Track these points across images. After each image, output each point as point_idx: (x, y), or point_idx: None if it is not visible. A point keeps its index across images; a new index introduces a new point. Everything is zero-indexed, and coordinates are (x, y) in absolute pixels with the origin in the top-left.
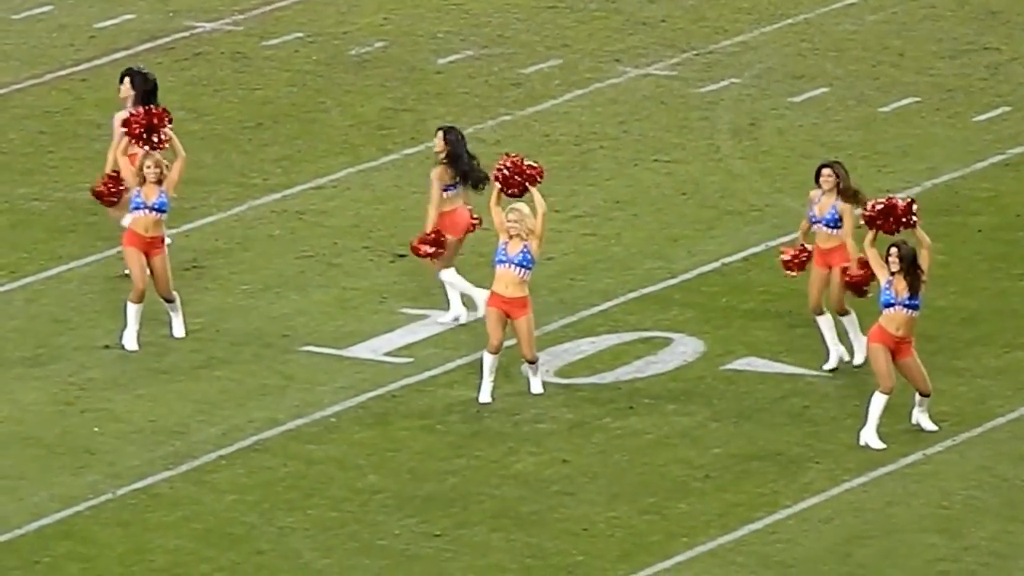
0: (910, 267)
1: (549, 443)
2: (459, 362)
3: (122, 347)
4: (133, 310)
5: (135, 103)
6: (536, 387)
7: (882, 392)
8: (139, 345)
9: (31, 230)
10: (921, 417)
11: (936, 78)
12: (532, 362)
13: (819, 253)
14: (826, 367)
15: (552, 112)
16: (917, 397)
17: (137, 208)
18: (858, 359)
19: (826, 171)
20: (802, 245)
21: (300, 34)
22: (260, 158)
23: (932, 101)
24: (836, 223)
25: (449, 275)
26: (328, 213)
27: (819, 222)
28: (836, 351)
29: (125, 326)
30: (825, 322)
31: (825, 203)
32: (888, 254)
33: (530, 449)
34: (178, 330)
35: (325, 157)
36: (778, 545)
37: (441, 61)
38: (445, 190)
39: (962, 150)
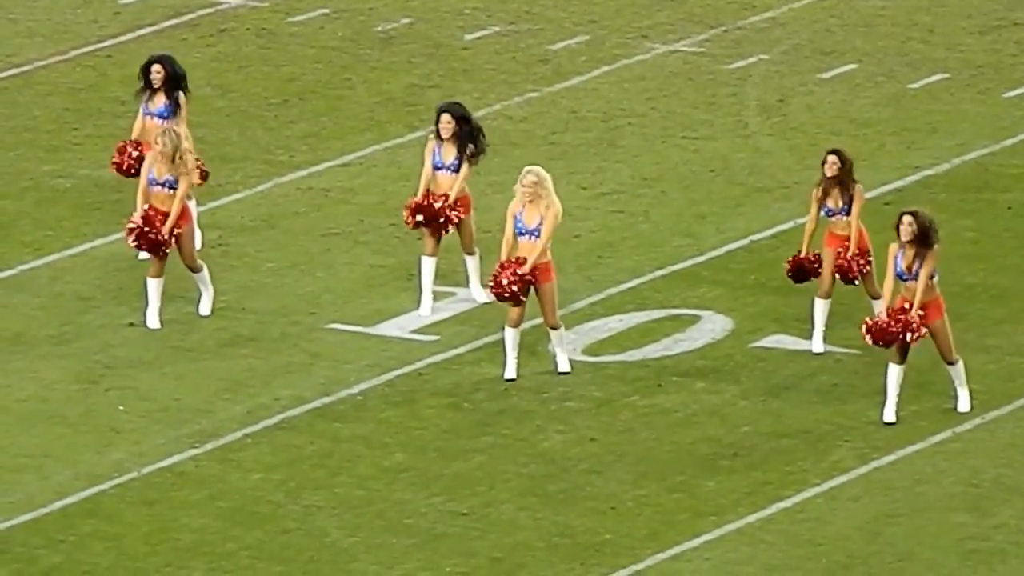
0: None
1: (577, 421)
2: (486, 340)
3: (145, 326)
4: (153, 286)
5: (168, 87)
6: (563, 365)
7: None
8: (161, 323)
9: (56, 207)
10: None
11: (966, 54)
12: (555, 328)
13: (837, 239)
14: (814, 349)
15: (579, 89)
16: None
17: (151, 184)
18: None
19: (831, 157)
20: (816, 254)
21: (326, 10)
22: (286, 135)
23: (962, 77)
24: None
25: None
26: (354, 190)
27: (838, 213)
28: (821, 335)
29: (147, 304)
30: (822, 307)
31: (837, 194)
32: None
33: (557, 427)
34: (204, 307)
35: (351, 134)
36: (807, 523)
37: (468, 37)
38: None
39: (992, 126)
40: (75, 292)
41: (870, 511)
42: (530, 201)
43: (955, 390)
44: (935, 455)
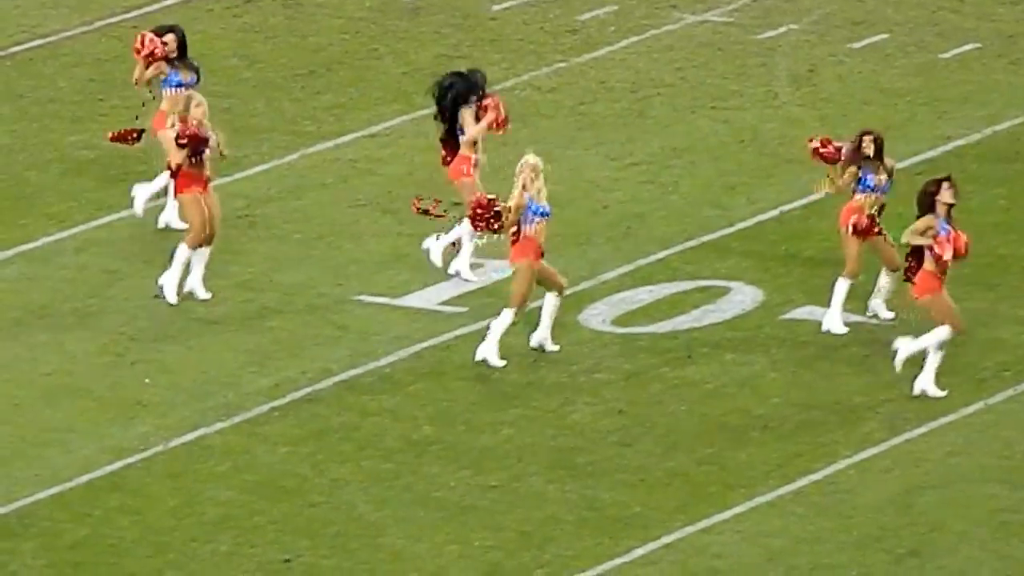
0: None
1: (605, 393)
2: None
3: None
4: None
5: (178, 56)
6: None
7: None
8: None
9: (81, 179)
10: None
11: (997, 24)
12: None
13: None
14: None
15: (608, 59)
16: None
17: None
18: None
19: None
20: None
21: None
22: (313, 106)
23: (993, 47)
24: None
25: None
26: (382, 161)
27: (879, 190)
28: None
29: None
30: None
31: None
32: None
33: (586, 399)
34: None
35: (378, 105)
36: (837, 495)
37: (496, 8)
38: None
39: (1023, 96)
40: (100, 264)
41: (901, 483)
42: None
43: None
44: (966, 427)
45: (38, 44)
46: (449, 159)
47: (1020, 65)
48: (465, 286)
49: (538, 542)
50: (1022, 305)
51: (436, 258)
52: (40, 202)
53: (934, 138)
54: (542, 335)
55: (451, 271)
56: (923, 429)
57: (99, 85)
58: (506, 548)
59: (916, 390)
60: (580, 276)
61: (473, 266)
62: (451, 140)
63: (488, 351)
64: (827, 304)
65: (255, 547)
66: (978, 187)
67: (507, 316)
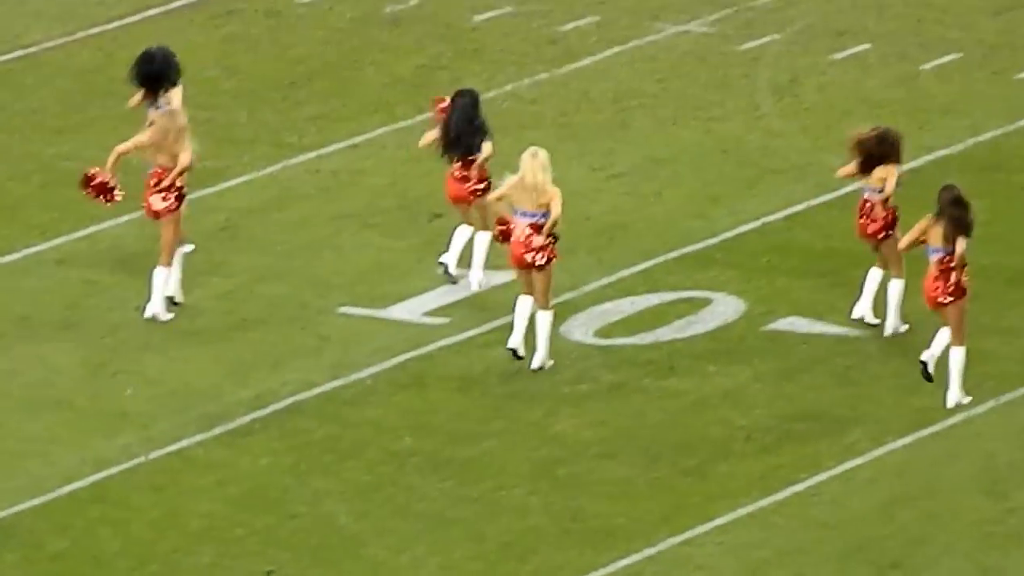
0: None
1: (588, 404)
2: (497, 323)
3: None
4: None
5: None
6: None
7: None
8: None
9: (62, 189)
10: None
11: (979, 34)
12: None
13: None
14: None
15: (590, 70)
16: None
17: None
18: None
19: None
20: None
21: None
22: (294, 117)
23: (975, 58)
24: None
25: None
26: (364, 172)
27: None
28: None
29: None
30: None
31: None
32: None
33: (569, 411)
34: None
35: (360, 116)
36: (820, 507)
37: (477, 18)
38: None
39: (1005, 107)
40: (81, 276)
41: (884, 494)
42: None
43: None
44: (950, 438)
45: (19, 55)
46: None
47: (1002, 75)
48: (447, 297)
49: (520, 553)
50: (1005, 316)
51: (454, 270)
52: (22, 213)
53: (916, 148)
54: (518, 340)
55: (465, 278)
56: (906, 440)
57: (81, 96)
58: (488, 559)
59: (951, 403)
60: (562, 287)
61: (457, 277)
62: (466, 160)
63: (541, 357)
64: (810, 314)
65: (237, 559)
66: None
67: (547, 316)
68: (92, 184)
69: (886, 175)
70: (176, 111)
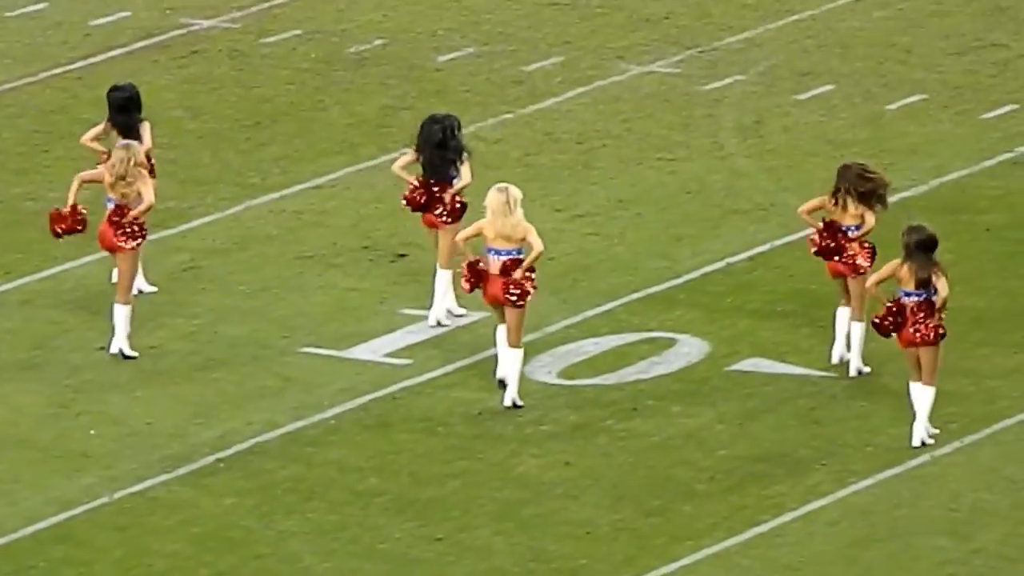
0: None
1: (552, 445)
2: (460, 364)
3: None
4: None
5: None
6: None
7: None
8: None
9: (25, 230)
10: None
11: (944, 75)
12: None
13: None
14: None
15: (554, 110)
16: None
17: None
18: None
19: None
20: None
21: (298, 31)
22: (258, 157)
23: (940, 98)
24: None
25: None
26: (327, 213)
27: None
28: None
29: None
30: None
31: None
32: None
33: (532, 451)
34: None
35: (324, 156)
36: (784, 548)
37: (441, 59)
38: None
39: (970, 148)
40: (45, 316)
41: (848, 535)
42: None
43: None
44: (914, 479)
45: None
46: (425, 202)
47: (966, 116)
48: (410, 338)
49: None
50: (969, 357)
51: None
52: None
53: None
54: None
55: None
56: (870, 481)
57: (43, 136)
58: None
59: (916, 442)
60: (526, 327)
61: (419, 318)
62: (433, 186)
63: (512, 395)
64: (774, 355)
65: None
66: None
67: (517, 355)
68: (60, 222)
69: (864, 212)
70: (133, 144)
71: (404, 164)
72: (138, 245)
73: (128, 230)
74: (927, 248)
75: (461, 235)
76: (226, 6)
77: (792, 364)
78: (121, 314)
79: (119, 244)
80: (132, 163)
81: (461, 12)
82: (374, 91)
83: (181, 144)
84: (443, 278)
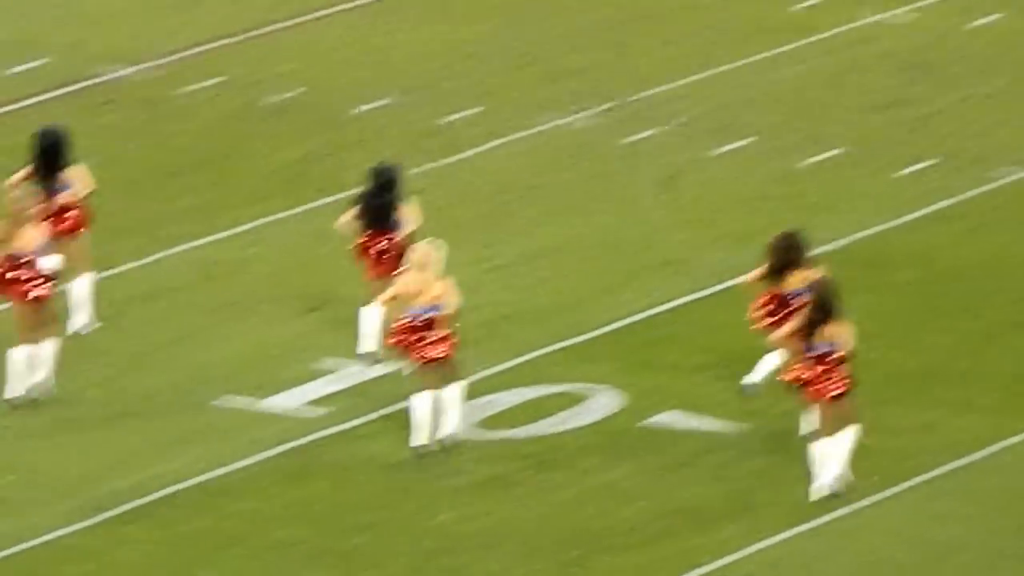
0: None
1: (469, 496)
2: (378, 414)
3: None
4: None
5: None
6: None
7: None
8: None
9: None
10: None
11: (860, 131)
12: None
13: None
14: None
15: (472, 162)
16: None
17: None
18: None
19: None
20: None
21: (214, 81)
22: (174, 207)
23: (857, 154)
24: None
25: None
26: (244, 262)
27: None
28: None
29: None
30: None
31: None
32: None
33: (449, 502)
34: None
35: (240, 206)
36: None
37: (359, 109)
38: None
39: (888, 203)
40: None
41: None
42: None
43: None
44: (827, 534)
45: None
46: (371, 250)
47: (884, 171)
48: (328, 388)
49: None
50: (888, 412)
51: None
52: None
53: None
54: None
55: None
56: (785, 535)
57: None
58: None
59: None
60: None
61: (338, 368)
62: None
63: (455, 424)
64: (690, 408)
65: None
66: (843, 294)
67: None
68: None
69: (803, 278)
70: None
71: (348, 219)
72: (48, 294)
73: (38, 278)
74: (827, 302)
75: (385, 296)
76: (141, 55)
77: (709, 417)
78: (48, 348)
79: (33, 295)
80: (28, 209)
81: (379, 62)
82: (291, 141)
83: (97, 193)
84: (378, 313)
